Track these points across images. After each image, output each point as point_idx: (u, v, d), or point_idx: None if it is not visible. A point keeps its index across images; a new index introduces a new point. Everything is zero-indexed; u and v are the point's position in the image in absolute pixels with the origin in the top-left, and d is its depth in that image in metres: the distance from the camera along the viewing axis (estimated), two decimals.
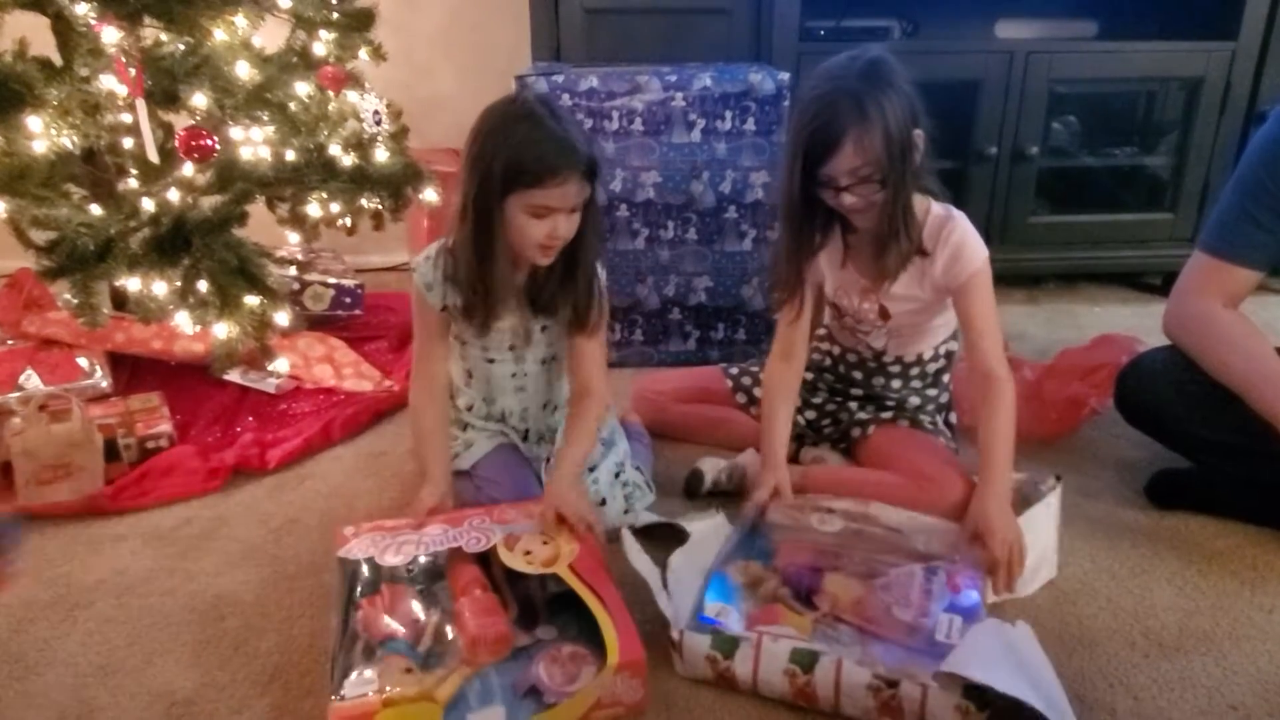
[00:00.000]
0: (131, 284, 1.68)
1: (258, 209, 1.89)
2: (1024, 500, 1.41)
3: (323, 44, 2.03)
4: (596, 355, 1.41)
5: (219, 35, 1.74)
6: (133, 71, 1.60)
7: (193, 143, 1.63)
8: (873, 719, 1.02)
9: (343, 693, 0.97)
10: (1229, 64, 2.32)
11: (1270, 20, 2.28)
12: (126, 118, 1.71)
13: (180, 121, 1.80)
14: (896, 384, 1.53)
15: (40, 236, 1.69)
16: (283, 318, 1.78)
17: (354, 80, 2.08)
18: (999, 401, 1.30)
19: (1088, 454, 1.65)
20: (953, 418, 1.55)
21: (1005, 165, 2.38)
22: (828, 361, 1.60)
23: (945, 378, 1.54)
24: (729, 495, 1.50)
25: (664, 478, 1.54)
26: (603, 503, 1.38)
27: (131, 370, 1.93)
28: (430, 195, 2.17)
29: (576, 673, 1.02)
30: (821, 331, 1.61)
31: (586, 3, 2.28)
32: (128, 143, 1.78)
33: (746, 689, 1.07)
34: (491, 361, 1.41)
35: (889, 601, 1.12)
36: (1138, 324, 2.23)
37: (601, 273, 1.38)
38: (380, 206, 2.15)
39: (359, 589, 1.14)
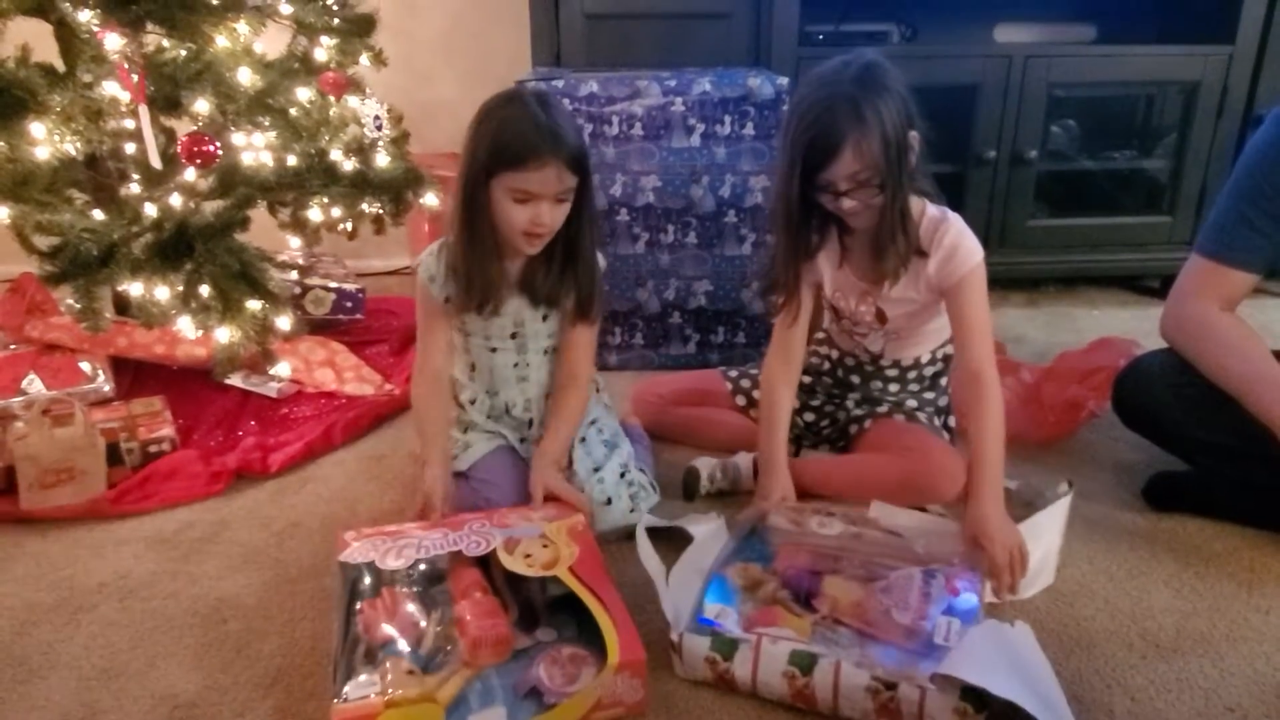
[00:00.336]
0: (134, 289, 1.69)
1: (259, 214, 1.90)
2: (1026, 504, 1.41)
3: (324, 50, 2.04)
4: (588, 343, 1.44)
5: (221, 41, 1.75)
6: (135, 77, 1.60)
7: (195, 148, 1.64)
8: None
9: (345, 694, 0.98)
10: (1226, 68, 2.33)
11: (1267, 24, 2.29)
12: (129, 123, 1.72)
13: (182, 127, 1.81)
14: (894, 388, 1.53)
15: (43, 242, 1.70)
16: (284, 322, 1.79)
17: (355, 86, 2.09)
18: (988, 403, 1.31)
19: (1085, 456, 1.66)
20: (951, 421, 1.55)
21: (1004, 169, 2.39)
22: (826, 365, 1.61)
23: (943, 381, 1.55)
24: (725, 495, 1.52)
25: (664, 479, 1.54)
26: (608, 502, 1.39)
27: (134, 375, 1.94)
28: (431, 200, 2.18)
29: (576, 673, 1.02)
30: (820, 335, 1.62)
31: (586, 8, 2.29)
32: (130, 148, 1.79)
33: (745, 691, 1.07)
34: (494, 351, 1.42)
35: (888, 604, 1.13)
36: (1136, 327, 2.24)
37: (601, 262, 1.41)
38: (381, 211, 2.16)
39: (360, 593, 1.14)
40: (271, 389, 1.89)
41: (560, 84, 1.91)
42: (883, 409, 1.53)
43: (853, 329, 1.52)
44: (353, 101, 2.08)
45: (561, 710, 1.00)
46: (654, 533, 1.32)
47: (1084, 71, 2.37)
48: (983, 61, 2.32)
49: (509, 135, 1.23)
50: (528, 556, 1.15)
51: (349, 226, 2.21)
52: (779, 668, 1.04)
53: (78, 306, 1.64)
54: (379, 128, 2.11)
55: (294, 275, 2.20)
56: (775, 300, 1.44)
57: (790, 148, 1.28)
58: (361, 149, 2.07)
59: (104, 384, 1.84)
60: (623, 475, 1.44)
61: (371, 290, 2.35)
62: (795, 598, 1.16)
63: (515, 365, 1.44)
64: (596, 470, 1.42)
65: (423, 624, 1.08)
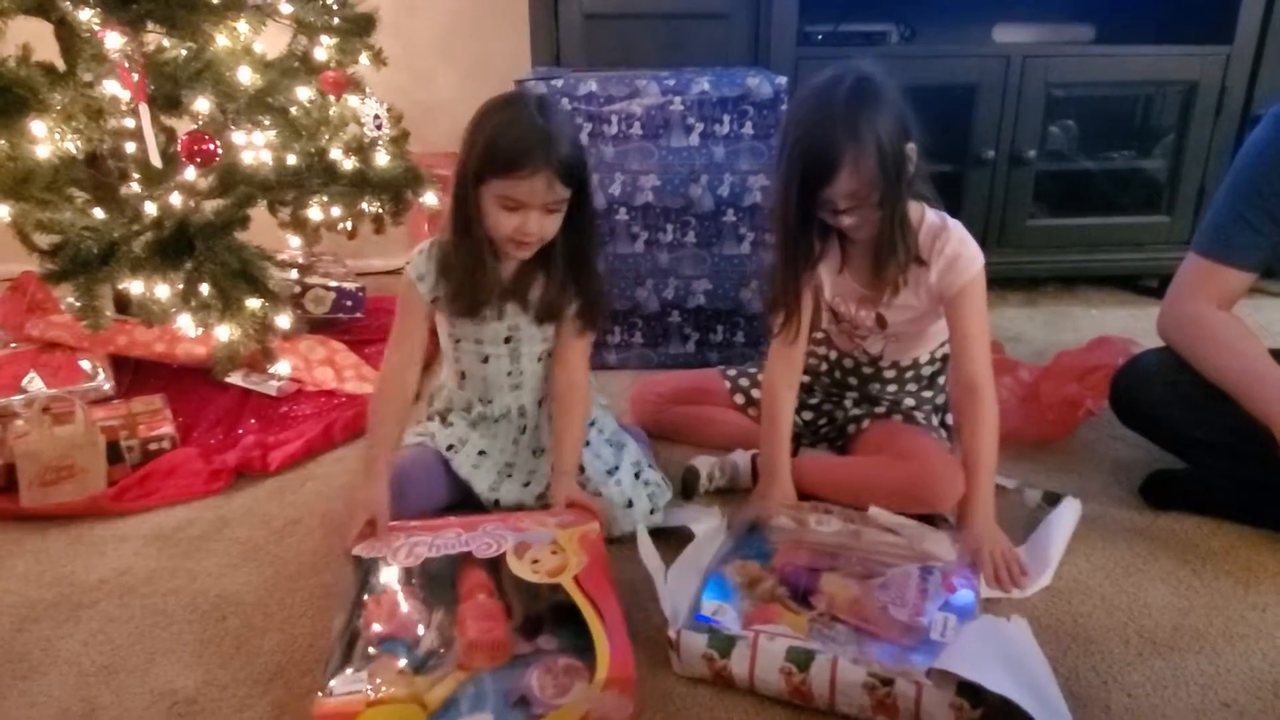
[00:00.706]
0: (134, 287, 1.70)
1: (259, 213, 1.91)
2: (1022, 507, 1.42)
3: (324, 49, 2.04)
4: (585, 350, 1.43)
5: (221, 40, 1.76)
6: (135, 76, 1.61)
7: (195, 147, 1.65)
8: (868, 717, 1.02)
9: (330, 688, 0.97)
10: (1224, 68, 2.33)
11: (1265, 24, 2.29)
12: (129, 122, 1.72)
13: (183, 126, 1.81)
14: (892, 388, 1.54)
15: (44, 240, 1.71)
16: (284, 321, 1.80)
17: (355, 85, 2.09)
18: (983, 413, 1.32)
19: (1083, 455, 1.66)
20: (949, 419, 1.56)
21: (1003, 169, 2.39)
22: (824, 366, 1.61)
23: (941, 380, 1.55)
24: (724, 493, 1.52)
25: None
26: (629, 505, 1.38)
27: (134, 373, 1.95)
28: (430, 199, 2.19)
29: (568, 685, 1.00)
30: (819, 335, 1.62)
31: (586, 8, 2.29)
32: (130, 147, 1.80)
33: (743, 687, 1.08)
34: (486, 361, 1.41)
35: (885, 601, 1.13)
36: (1135, 326, 2.24)
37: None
38: (381, 210, 2.17)
39: (370, 587, 1.14)
40: (271, 387, 1.90)
41: (559, 83, 1.91)
42: (881, 409, 1.53)
43: (852, 331, 1.52)
44: (352, 101, 2.09)
45: None
46: (653, 529, 1.33)
47: (1082, 71, 2.37)
48: (981, 61, 2.32)
49: (501, 141, 1.21)
50: (535, 562, 1.15)
51: (349, 225, 2.21)
52: (776, 664, 1.04)
53: (78, 305, 1.65)
54: (379, 127, 2.12)
55: (294, 274, 2.20)
56: (775, 318, 1.42)
57: (786, 167, 1.27)
58: (361, 148, 2.08)
59: (104, 382, 1.84)
60: (638, 475, 1.44)
61: (371, 289, 2.35)
62: (793, 595, 1.16)
63: (509, 374, 1.42)
64: (611, 473, 1.41)
65: (423, 623, 1.08)
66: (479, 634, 1.04)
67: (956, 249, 1.33)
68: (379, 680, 0.98)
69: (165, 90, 1.72)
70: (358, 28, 2.08)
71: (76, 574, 1.34)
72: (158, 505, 1.52)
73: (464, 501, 1.40)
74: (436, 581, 1.16)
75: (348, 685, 0.97)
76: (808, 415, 1.59)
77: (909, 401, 1.53)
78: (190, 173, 1.77)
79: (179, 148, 1.67)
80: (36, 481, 1.48)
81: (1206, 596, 1.26)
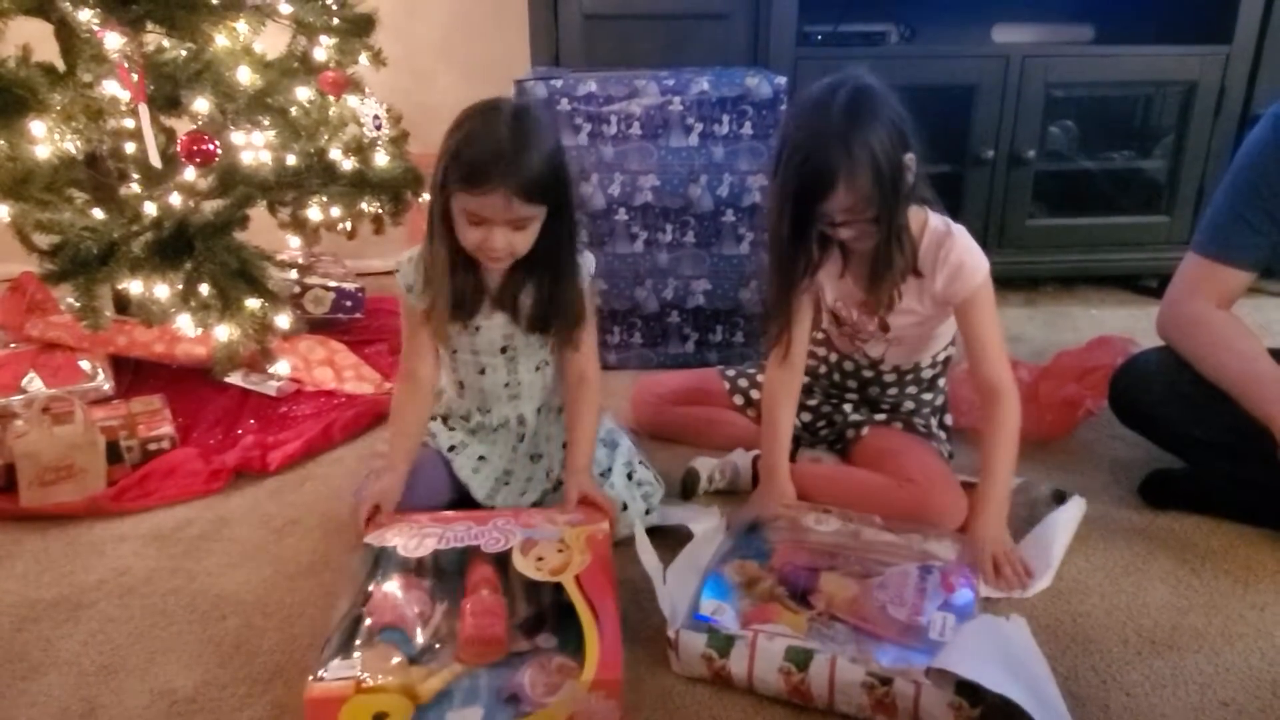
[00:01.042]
0: (134, 287, 1.70)
1: (259, 213, 1.91)
2: (1030, 504, 1.42)
3: (323, 49, 2.05)
4: (590, 342, 1.41)
5: (220, 41, 1.76)
6: (135, 77, 1.61)
7: (194, 147, 1.65)
8: (867, 716, 1.03)
9: (323, 674, 0.97)
10: (1224, 68, 2.33)
11: (1264, 24, 2.29)
12: (129, 123, 1.73)
13: (182, 126, 1.82)
14: (893, 390, 1.53)
15: (43, 240, 1.71)
16: (284, 321, 1.80)
17: (354, 85, 2.09)
18: (1004, 416, 1.31)
19: (1083, 454, 1.66)
20: (948, 419, 1.56)
21: (1002, 169, 2.39)
22: (824, 368, 1.60)
23: (941, 382, 1.55)
24: (723, 494, 1.52)
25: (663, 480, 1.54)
26: (624, 508, 1.37)
27: (133, 373, 1.95)
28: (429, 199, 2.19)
29: (559, 685, 1.00)
30: (819, 336, 1.62)
31: (585, 8, 2.30)
32: (130, 147, 1.80)
33: (742, 687, 1.08)
34: (483, 373, 1.39)
35: (884, 600, 1.13)
36: (1134, 326, 2.24)
37: (586, 273, 1.35)
38: (380, 210, 2.17)
39: (378, 576, 1.14)
40: (271, 387, 1.90)
41: (559, 84, 1.91)
42: (880, 415, 1.52)
43: (854, 335, 1.51)
44: (352, 101, 2.09)
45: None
46: (652, 529, 1.33)
47: (1082, 71, 2.37)
48: (981, 61, 2.32)
49: (464, 154, 1.17)
50: (540, 560, 1.15)
51: (348, 226, 2.22)
52: (775, 664, 1.05)
53: (78, 305, 1.65)
54: (378, 127, 2.12)
55: (293, 274, 2.20)
56: (769, 331, 1.42)
57: (781, 181, 1.26)
58: (361, 148, 2.08)
59: (104, 382, 1.84)
60: (630, 476, 1.43)
61: (371, 289, 2.35)
62: (792, 594, 1.16)
63: (506, 385, 1.41)
64: (604, 475, 1.41)
65: (426, 615, 1.08)
66: (477, 629, 1.04)
67: (961, 257, 1.32)
68: (373, 669, 0.98)
69: (165, 90, 1.72)
70: (357, 28, 2.09)
71: (76, 574, 1.34)
72: (157, 505, 1.52)
73: (464, 501, 1.40)
74: (445, 574, 1.15)
75: (340, 672, 0.98)
76: (806, 417, 1.59)
77: (909, 405, 1.53)
78: (190, 173, 1.77)
79: (178, 148, 1.67)
80: (36, 481, 1.48)
81: (1205, 596, 1.26)
